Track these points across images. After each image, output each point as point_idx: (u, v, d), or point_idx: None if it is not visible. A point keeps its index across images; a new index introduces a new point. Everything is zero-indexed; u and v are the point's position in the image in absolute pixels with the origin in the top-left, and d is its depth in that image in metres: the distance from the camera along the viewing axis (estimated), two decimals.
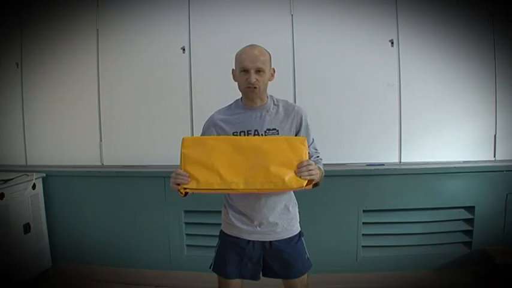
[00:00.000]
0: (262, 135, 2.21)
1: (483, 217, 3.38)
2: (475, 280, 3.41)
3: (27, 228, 3.50)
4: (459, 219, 3.43)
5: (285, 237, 2.28)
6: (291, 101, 2.58)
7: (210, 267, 2.38)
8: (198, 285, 3.58)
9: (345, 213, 3.40)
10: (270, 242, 2.27)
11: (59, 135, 3.84)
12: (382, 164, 3.43)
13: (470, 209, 3.39)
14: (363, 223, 3.44)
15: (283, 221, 2.27)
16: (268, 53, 2.21)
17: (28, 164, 3.91)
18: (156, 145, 3.69)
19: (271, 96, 2.30)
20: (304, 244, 2.37)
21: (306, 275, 2.36)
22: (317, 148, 2.34)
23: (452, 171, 3.35)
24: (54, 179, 3.77)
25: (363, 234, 3.46)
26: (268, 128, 2.22)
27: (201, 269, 3.54)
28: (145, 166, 3.70)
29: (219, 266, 2.33)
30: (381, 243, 3.48)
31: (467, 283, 3.40)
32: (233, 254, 2.30)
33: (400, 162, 3.45)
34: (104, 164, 3.79)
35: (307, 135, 2.26)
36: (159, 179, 3.59)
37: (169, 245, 3.68)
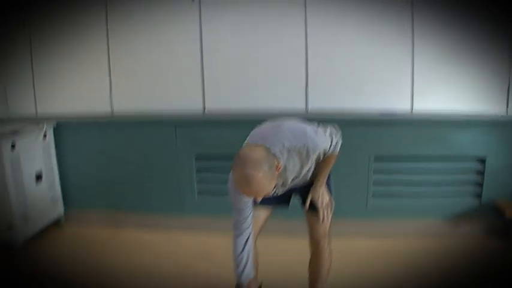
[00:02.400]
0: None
1: (494, 170, 3.36)
2: (484, 233, 3.44)
3: (39, 177, 3.54)
4: (470, 172, 3.42)
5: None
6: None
7: None
8: (208, 229, 3.66)
9: (355, 161, 3.41)
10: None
11: (69, 84, 3.82)
12: (394, 114, 3.40)
13: (481, 161, 3.38)
14: (374, 171, 3.46)
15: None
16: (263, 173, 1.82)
17: (38, 114, 3.90)
18: (167, 92, 3.68)
19: (277, 156, 1.94)
20: (331, 185, 2.38)
21: (329, 222, 2.37)
22: (326, 132, 2.14)
23: (464, 122, 3.32)
24: (64, 128, 3.79)
25: (373, 182, 3.49)
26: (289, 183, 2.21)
27: (211, 213, 3.66)
28: (156, 114, 3.70)
29: None
30: (391, 192, 3.50)
31: (477, 235, 3.43)
32: None
33: (412, 111, 3.41)
34: (114, 112, 3.79)
35: (315, 146, 2.06)
36: (170, 126, 3.62)
37: (180, 190, 3.74)
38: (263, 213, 2.35)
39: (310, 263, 2.47)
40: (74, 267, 3.23)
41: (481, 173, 3.39)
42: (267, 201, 2.17)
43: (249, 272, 2.28)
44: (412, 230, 3.49)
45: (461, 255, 3.19)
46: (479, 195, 3.43)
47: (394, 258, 3.21)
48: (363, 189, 3.50)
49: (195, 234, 3.68)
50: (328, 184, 2.36)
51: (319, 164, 2.19)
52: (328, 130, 2.12)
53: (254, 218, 2.24)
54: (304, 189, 2.31)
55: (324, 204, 2.30)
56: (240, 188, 1.83)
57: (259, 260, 2.38)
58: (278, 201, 2.32)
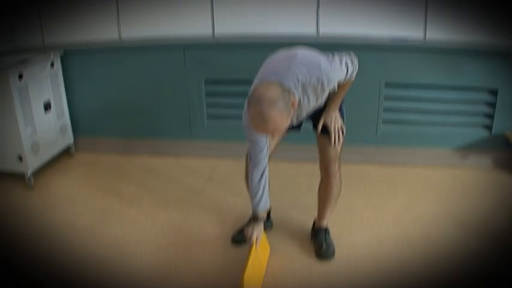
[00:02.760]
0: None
1: (505, 102, 3.31)
2: (493, 164, 3.44)
3: (47, 106, 3.54)
4: (481, 103, 3.37)
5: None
6: None
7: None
8: (218, 154, 3.72)
9: (366, 86, 3.35)
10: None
11: (76, 11, 3.72)
12: (406, 39, 3.32)
13: (493, 92, 3.32)
14: (385, 97, 3.43)
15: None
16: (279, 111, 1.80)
17: (45, 44, 3.84)
18: (175, 17, 3.60)
19: (292, 92, 1.92)
20: (343, 110, 2.39)
21: (340, 147, 2.38)
22: (342, 63, 2.08)
23: (478, 52, 3.23)
24: (72, 56, 3.75)
25: (384, 109, 3.47)
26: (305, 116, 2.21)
27: (221, 137, 3.71)
28: (164, 38, 3.64)
29: None
30: (401, 119, 3.49)
31: (485, 166, 3.44)
32: None
33: (425, 38, 3.32)
34: (122, 38, 3.73)
35: (330, 80, 2.00)
36: (178, 50, 3.58)
37: (190, 116, 3.76)
38: (275, 137, 2.34)
39: (319, 187, 2.51)
40: (85, 194, 3.30)
41: (492, 104, 3.35)
42: None
43: (265, 203, 2.33)
44: (420, 158, 3.51)
45: (468, 186, 3.20)
46: (489, 127, 3.40)
47: (402, 185, 3.24)
48: (373, 116, 3.49)
49: (204, 159, 3.74)
50: (340, 109, 2.36)
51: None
52: (344, 59, 2.07)
53: None
54: (317, 113, 2.30)
55: (336, 128, 2.30)
56: (255, 127, 1.84)
57: (270, 184, 2.38)
58: (290, 125, 2.31)
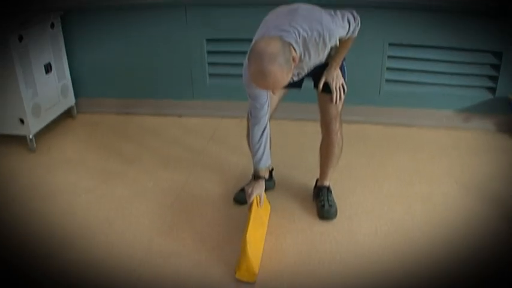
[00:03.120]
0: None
1: (510, 65, 3.26)
2: (496, 128, 3.42)
3: (48, 68, 3.51)
4: (486, 64, 3.33)
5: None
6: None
7: None
8: (220, 113, 3.72)
9: (370, 45, 3.32)
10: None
11: None
12: None
13: (497, 54, 3.27)
14: (388, 57, 3.40)
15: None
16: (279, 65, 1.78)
17: (45, 4, 3.71)
18: None
19: (293, 47, 1.90)
20: (345, 69, 2.36)
21: (341, 105, 2.37)
22: (344, 18, 2.05)
23: (483, 14, 3.16)
24: (72, 17, 3.69)
25: (387, 68, 3.43)
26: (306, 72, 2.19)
27: (223, 97, 3.69)
28: None
29: None
30: (405, 79, 3.46)
31: (488, 129, 3.42)
32: None
33: None
34: None
35: (332, 35, 1.97)
36: (180, 8, 3.52)
37: (192, 75, 3.74)
38: (276, 95, 2.33)
39: (321, 145, 2.51)
40: (87, 155, 3.31)
41: (497, 66, 3.31)
42: None
43: (266, 161, 2.34)
44: (423, 119, 3.49)
45: (470, 149, 3.19)
46: (493, 89, 3.37)
47: (403, 145, 3.24)
48: (376, 76, 3.45)
49: (206, 118, 3.74)
50: (342, 67, 2.34)
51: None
52: (346, 15, 2.04)
53: None
54: (318, 71, 2.28)
55: (337, 86, 2.29)
56: (255, 82, 1.83)
57: (271, 143, 2.39)
58: (291, 83, 2.29)
